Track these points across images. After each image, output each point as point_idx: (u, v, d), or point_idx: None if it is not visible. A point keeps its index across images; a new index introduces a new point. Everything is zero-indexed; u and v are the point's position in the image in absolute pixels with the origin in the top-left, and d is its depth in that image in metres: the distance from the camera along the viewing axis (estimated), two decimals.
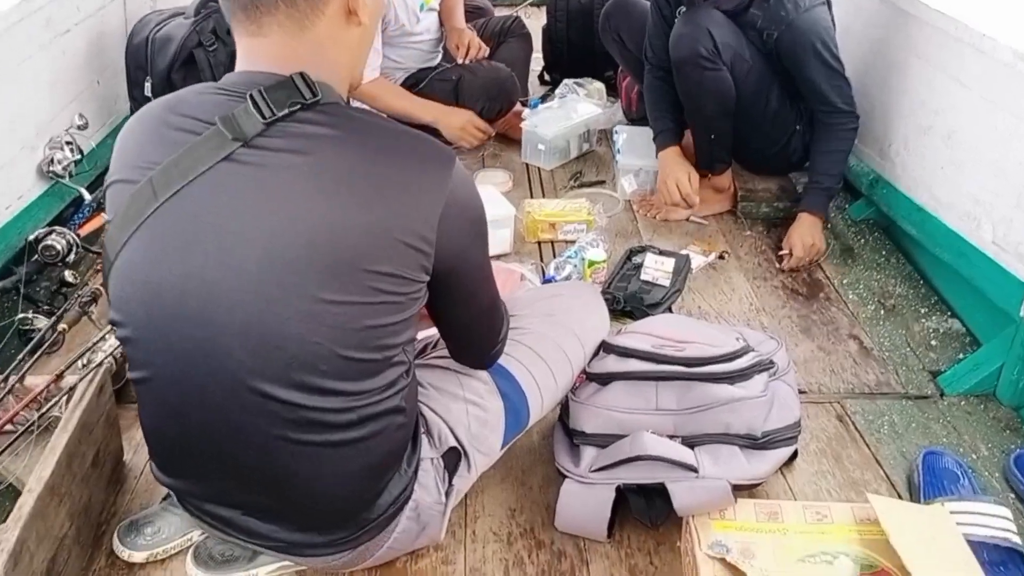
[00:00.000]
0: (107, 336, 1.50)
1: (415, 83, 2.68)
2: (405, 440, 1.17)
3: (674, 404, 1.35)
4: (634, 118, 2.81)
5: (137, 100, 2.45)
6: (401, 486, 1.17)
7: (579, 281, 1.94)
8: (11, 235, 1.94)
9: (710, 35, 2.06)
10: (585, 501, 1.30)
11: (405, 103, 2.60)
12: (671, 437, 1.34)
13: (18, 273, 1.82)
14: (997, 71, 1.78)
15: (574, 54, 3.15)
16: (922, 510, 1.30)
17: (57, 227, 1.88)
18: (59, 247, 1.83)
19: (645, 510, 1.31)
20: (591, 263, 1.96)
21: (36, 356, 1.52)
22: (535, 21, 3.35)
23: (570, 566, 1.29)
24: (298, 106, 0.97)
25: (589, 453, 1.35)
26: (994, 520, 1.28)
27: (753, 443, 1.33)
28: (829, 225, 2.19)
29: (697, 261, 2.08)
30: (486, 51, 2.81)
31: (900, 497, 1.43)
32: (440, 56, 2.82)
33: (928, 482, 1.42)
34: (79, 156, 2.15)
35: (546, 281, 1.97)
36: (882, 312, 1.95)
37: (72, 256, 1.85)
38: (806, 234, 2.11)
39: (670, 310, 1.92)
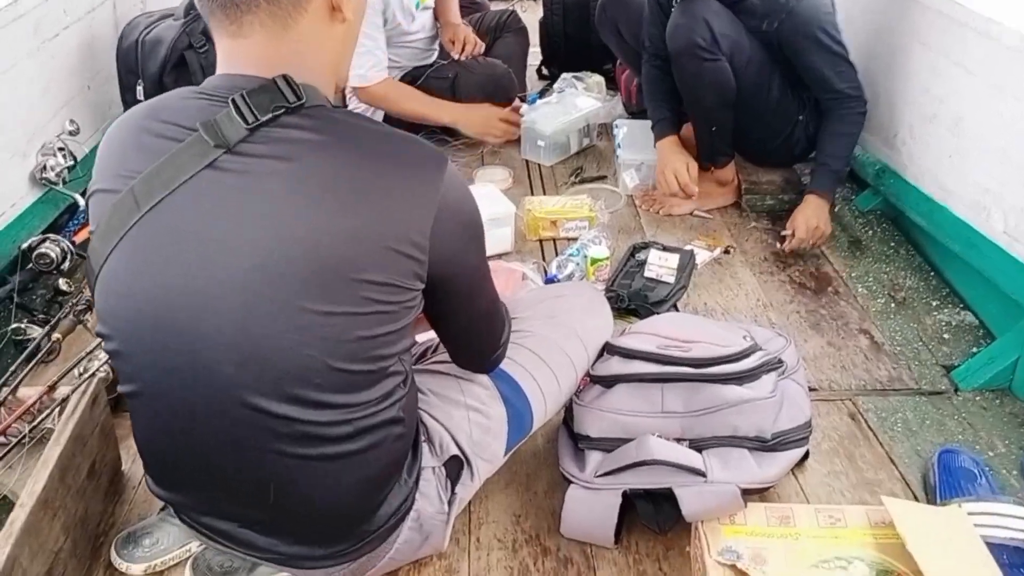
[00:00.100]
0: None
1: (411, 81, 2.65)
2: (405, 450, 1.13)
3: (680, 407, 1.31)
4: (634, 111, 2.78)
5: (130, 104, 2.41)
6: (402, 496, 1.14)
7: (581, 281, 1.90)
8: (4, 244, 1.91)
9: (708, 25, 2.02)
10: (591, 507, 1.27)
11: (420, 105, 2.56)
12: (678, 440, 1.30)
13: (11, 282, 1.80)
14: (1003, 56, 1.74)
15: (571, 48, 3.11)
16: (938, 512, 1.26)
17: (51, 235, 1.85)
18: (53, 255, 1.80)
19: (653, 516, 1.28)
20: (594, 261, 1.92)
21: (31, 366, 1.49)
22: (531, 15, 3.32)
23: (577, 573, 1.26)
24: (282, 110, 0.93)
25: (594, 458, 1.32)
26: (1014, 521, 1.24)
27: (763, 445, 1.29)
28: (836, 209, 2.13)
29: (702, 256, 2.05)
30: (482, 48, 2.78)
31: (916, 497, 1.39)
32: (436, 54, 2.78)
33: (944, 481, 1.38)
34: (72, 162, 2.12)
35: (548, 280, 1.94)
36: (892, 305, 1.91)
37: (67, 264, 1.82)
38: (811, 216, 2.07)
39: (675, 307, 1.88)
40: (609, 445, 1.32)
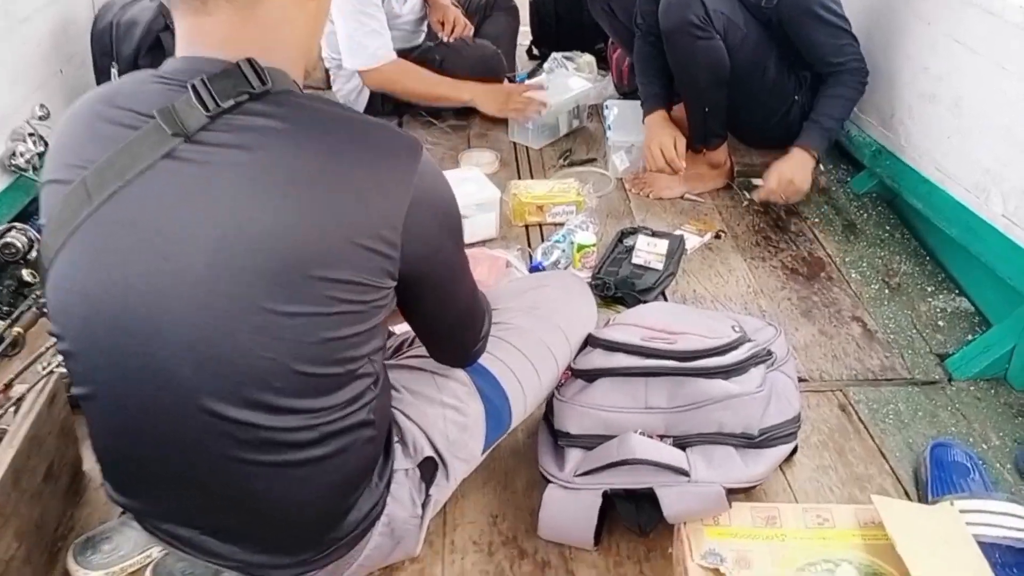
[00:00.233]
0: None
1: None
2: (375, 454, 1.09)
3: (664, 402, 1.26)
4: (626, 92, 2.71)
5: None
6: (372, 501, 1.09)
7: (564, 271, 1.85)
8: None
9: (701, 2, 1.96)
10: (570, 508, 1.22)
11: (435, 85, 2.48)
12: (662, 437, 1.25)
13: None
14: (1006, 32, 1.67)
15: (563, 27, 3.05)
16: (929, 511, 1.21)
17: (17, 223, 1.78)
18: (19, 244, 1.73)
19: (634, 516, 1.23)
20: (580, 247, 1.87)
21: None
22: None
23: None
24: (245, 96, 0.88)
25: (574, 456, 1.27)
26: (1007, 519, 1.19)
27: (749, 442, 1.24)
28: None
29: (692, 241, 1.99)
30: (471, 29, 2.72)
31: (907, 493, 1.35)
32: (423, 35, 2.71)
33: (936, 477, 1.33)
34: (43, 148, 2.06)
35: (533, 267, 1.89)
36: (886, 291, 1.86)
37: (33, 254, 1.75)
38: (787, 168, 2.01)
39: (663, 295, 1.83)
40: (590, 442, 1.27)
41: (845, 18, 2.02)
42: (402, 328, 1.28)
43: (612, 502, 1.24)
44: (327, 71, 2.76)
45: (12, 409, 1.24)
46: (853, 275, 1.91)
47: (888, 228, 2.09)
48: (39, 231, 1.83)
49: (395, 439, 1.14)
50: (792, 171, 2.01)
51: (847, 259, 1.97)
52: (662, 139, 2.16)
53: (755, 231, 2.08)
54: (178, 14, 0.92)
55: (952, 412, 1.52)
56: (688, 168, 2.21)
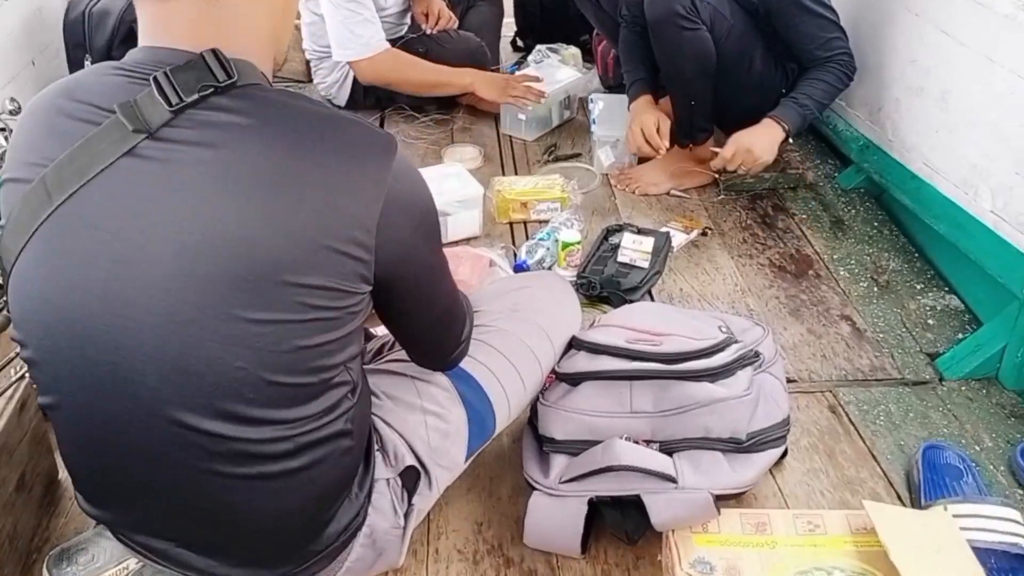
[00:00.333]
0: None
1: None
2: (354, 464, 1.05)
3: (650, 406, 1.23)
4: (611, 85, 2.68)
5: None
6: (352, 512, 1.05)
7: (548, 271, 1.81)
8: None
9: None
10: (555, 515, 1.19)
11: (432, 73, 2.43)
12: (648, 443, 1.23)
13: None
14: (994, 24, 1.64)
15: (547, 18, 3.01)
16: (922, 516, 1.19)
17: None
18: None
19: (621, 523, 1.20)
20: (565, 245, 1.83)
21: None
22: None
23: None
24: (210, 90, 0.83)
25: (559, 462, 1.24)
26: (1001, 524, 1.17)
27: (738, 447, 1.21)
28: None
29: (678, 239, 1.96)
30: (455, 22, 2.67)
31: (899, 496, 1.33)
32: (406, 28, 2.67)
33: (929, 480, 1.31)
34: None
35: (518, 266, 1.85)
36: (875, 289, 1.83)
37: None
38: (748, 137, 1.98)
39: (650, 294, 1.80)
40: (575, 448, 1.24)
41: (834, 11, 2.00)
42: (382, 330, 1.24)
43: (599, 509, 1.21)
44: (308, 63, 2.71)
45: None
46: (841, 272, 1.89)
47: (876, 224, 2.07)
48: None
49: (375, 448, 1.11)
50: (752, 141, 1.97)
51: (835, 256, 1.95)
52: (643, 119, 2.11)
53: (742, 228, 2.05)
54: (139, 2, 0.88)
55: (944, 413, 1.50)
56: (674, 164, 2.19)
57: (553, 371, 1.31)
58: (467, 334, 1.16)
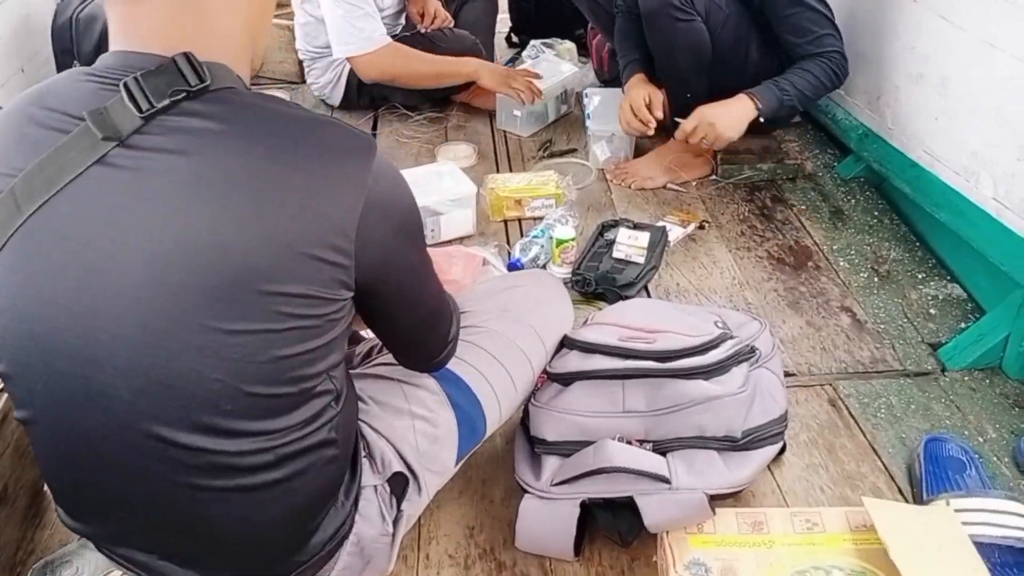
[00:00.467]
0: None
1: None
2: (339, 473, 1.02)
3: (643, 405, 1.21)
4: (607, 79, 2.66)
5: None
6: (338, 521, 1.03)
7: (539, 270, 1.79)
8: None
9: None
10: (547, 519, 1.17)
11: (435, 64, 2.40)
12: (641, 443, 1.20)
13: None
14: (994, 9, 1.61)
15: (542, 13, 2.98)
16: (923, 512, 1.16)
17: None
18: None
19: (614, 526, 1.17)
20: (560, 242, 1.81)
21: None
22: None
23: None
24: (182, 95, 0.81)
25: (551, 464, 1.22)
26: (1005, 518, 1.14)
27: (733, 445, 1.19)
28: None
29: (675, 233, 1.93)
30: (450, 21, 2.65)
31: (900, 491, 1.30)
32: (401, 28, 2.64)
33: (931, 473, 1.28)
34: None
35: (511, 265, 1.82)
36: (876, 280, 1.80)
37: None
38: (714, 111, 1.92)
39: (646, 290, 1.77)
40: (567, 449, 1.22)
41: (830, 9, 1.96)
42: (371, 332, 1.22)
43: (592, 511, 1.18)
44: (301, 64, 2.69)
45: None
46: (841, 263, 1.86)
47: (876, 214, 2.04)
48: None
49: (362, 454, 1.09)
50: (718, 115, 1.92)
51: (835, 247, 1.91)
52: (632, 96, 2.07)
53: (740, 220, 2.02)
54: (109, 3, 0.85)
55: (946, 404, 1.47)
56: (670, 157, 2.15)
57: (545, 371, 1.28)
58: (454, 335, 1.14)
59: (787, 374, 1.47)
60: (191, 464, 0.88)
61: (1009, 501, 1.17)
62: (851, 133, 2.17)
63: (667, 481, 1.13)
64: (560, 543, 1.17)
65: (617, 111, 2.21)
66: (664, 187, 2.15)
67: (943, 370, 1.55)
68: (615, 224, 1.90)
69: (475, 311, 1.26)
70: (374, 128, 2.52)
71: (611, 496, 1.15)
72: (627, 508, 1.14)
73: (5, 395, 1.24)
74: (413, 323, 1.06)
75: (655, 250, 1.82)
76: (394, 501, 1.10)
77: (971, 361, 1.55)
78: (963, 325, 1.64)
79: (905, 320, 1.68)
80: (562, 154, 2.35)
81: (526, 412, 1.28)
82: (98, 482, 0.93)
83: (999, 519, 1.15)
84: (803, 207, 2.07)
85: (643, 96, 2.05)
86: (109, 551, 1.04)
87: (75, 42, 2.21)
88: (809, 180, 2.19)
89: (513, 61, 2.87)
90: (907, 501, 1.28)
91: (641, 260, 1.79)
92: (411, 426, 1.13)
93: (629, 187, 2.16)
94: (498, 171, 2.26)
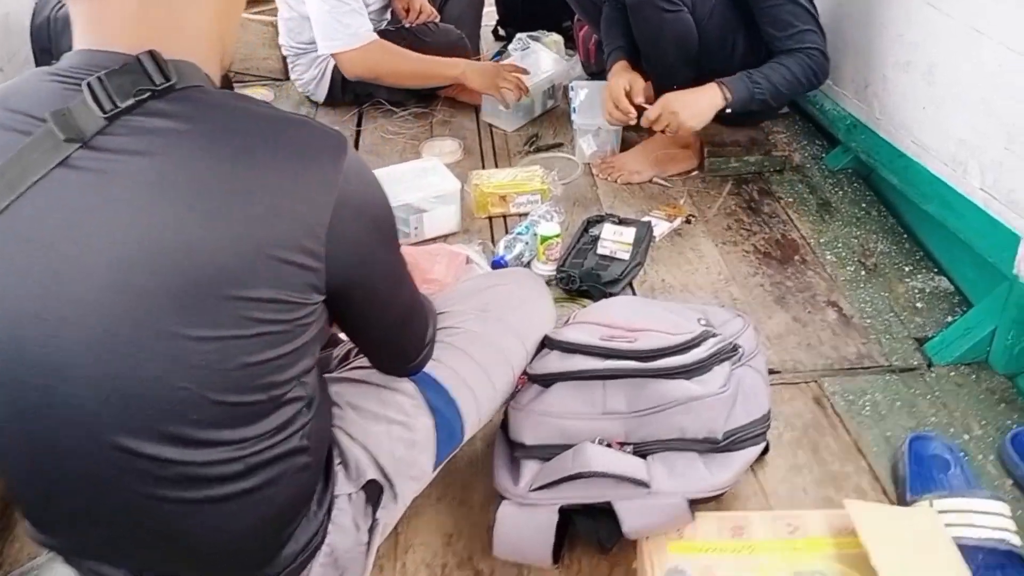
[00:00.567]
0: None
1: None
2: (312, 481, 1.01)
3: (624, 406, 1.19)
4: (594, 71, 2.63)
5: None
6: (310, 532, 1.01)
7: (519, 268, 1.77)
8: None
9: None
10: (525, 525, 1.14)
11: (422, 64, 2.36)
12: (622, 445, 1.18)
13: None
14: None
15: (528, 6, 2.96)
16: (906, 514, 1.15)
17: None
18: None
19: (594, 532, 1.15)
20: (544, 239, 1.78)
21: None
22: None
23: None
24: (147, 94, 0.79)
25: (531, 468, 1.20)
26: (989, 519, 1.13)
27: (714, 447, 1.17)
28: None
29: (661, 228, 1.91)
30: (436, 16, 2.62)
31: (884, 492, 1.28)
32: (387, 22, 2.61)
33: (915, 472, 1.26)
34: None
35: (495, 262, 1.80)
36: (863, 273, 1.78)
37: None
38: (679, 98, 1.89)
39: (631, 286, 1.75)
40: (546, 453, 1.20)
41: (814, 5, 1.92)
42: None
43: (571, 517, 1.17)
44: (284, 60, 2.66)
45: None
46: (828, 257, 1.83)
47: (864, 206, 2.01)
48: None
49: (336, 462, 1.07)
50: (682, 103, 1.88)
51: (822, 240, 1.89)
52: (612, 84, 2.03)
53: (727, 214, 2.00)
54: (71, 1, 0.83)
55: (932, 401, 1.45)
56: (656, 151, 2.13)
57: (525, 372, 1.26)
58: (431, 337, 1.12)
59: (772, 372, 1.45)
60: (158, 475, 0.86)
61: (993, 501, 1.16)
62: (839, 123, 2.15)
63: (646, 485, 1.11)
64: (538, 550, 1.15)
65: (602, 105, 2.19)
66: (650, 181, 2.13)
67: (929, 365, 1.53)
68: (600, 220, 1.88)
69: (454, 311, 1.24)
70: (359, 124, 2.49)
71: (590, 501, 1.13)
72: (607, 514, 1.12)
73: None
74: (387, 326, 1.04)
75: (640, 246, 1.80)
76: (369, 509, 1.08)
77: (957, 356, 1.53)
78: (950, 319, 1.63)
79: (892, 314, 1.66)
80: (548, 148, 2.33)
81: (506, 416, 1.26)
82: (63, 494, 0.91)
83: (983, 520, 1.14)
84: (790, 199, 2.05)
85: (624, 84, 2.02)
86: (78, 565, 1.02)
87: (53, 41, 2.19)
88: (797, 172, 2.16)
89: (500, 55, 2.84)
90: (891, 501, 1.26)
91: (626, 256, 1.77)
92: (387, 432, 1.11)
93: (615, 181, 2.13)
94: (484, 166, 2.24)
